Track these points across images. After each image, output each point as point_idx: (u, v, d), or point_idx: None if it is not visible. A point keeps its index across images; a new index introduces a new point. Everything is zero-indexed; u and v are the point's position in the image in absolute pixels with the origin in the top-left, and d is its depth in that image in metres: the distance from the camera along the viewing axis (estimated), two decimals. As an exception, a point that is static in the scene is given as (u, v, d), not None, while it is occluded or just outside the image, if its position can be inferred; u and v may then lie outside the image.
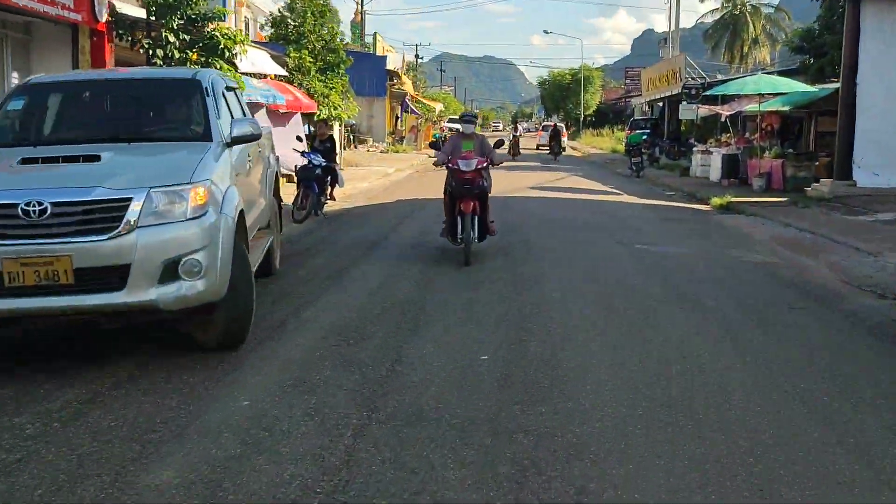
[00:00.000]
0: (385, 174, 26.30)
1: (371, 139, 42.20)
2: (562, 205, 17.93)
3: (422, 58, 77.47)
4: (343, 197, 18.07)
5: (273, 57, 22.64)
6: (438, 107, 53.16)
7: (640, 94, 45.74)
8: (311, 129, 25.94)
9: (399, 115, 49.72)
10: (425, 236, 12.28)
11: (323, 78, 24.48)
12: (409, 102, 50.13)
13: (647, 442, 4.53)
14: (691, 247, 11.81)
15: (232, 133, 6.72)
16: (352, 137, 41.29)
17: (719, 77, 36.30)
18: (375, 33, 45.55)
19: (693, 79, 32.35)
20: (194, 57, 13.94)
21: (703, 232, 13.70)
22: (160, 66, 13.54)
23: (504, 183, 23.94)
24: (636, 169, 27.82)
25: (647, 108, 46.69)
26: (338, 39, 25.88)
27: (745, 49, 56.28)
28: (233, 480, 4.03)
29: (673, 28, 42.20)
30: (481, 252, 10.53)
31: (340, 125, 25.88)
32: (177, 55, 13.73)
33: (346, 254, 10.78)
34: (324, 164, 14.54)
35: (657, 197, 20.24)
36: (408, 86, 48.43)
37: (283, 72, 22.23)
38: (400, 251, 11.11)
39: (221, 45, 14.16)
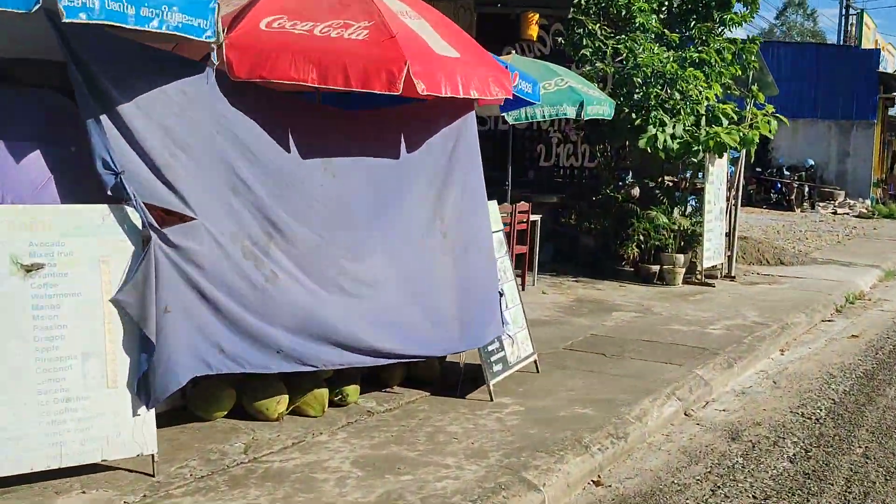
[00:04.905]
0: (858, 298, 9.97)
1: (843, 193, 24.92)
2: None
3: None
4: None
5: None
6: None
7: None
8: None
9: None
10: None
11: (680, 54, 9.29)
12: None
13: None
14: None
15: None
16: (807, 190, 24.47)
17: None
18: (862, 10, 27.20)
19: None
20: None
21: None
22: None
23: None
24: None
25: None
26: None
27: None
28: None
29: None
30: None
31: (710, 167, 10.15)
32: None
33: None
34: None
35: None
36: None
37: None
38: None
39: None
